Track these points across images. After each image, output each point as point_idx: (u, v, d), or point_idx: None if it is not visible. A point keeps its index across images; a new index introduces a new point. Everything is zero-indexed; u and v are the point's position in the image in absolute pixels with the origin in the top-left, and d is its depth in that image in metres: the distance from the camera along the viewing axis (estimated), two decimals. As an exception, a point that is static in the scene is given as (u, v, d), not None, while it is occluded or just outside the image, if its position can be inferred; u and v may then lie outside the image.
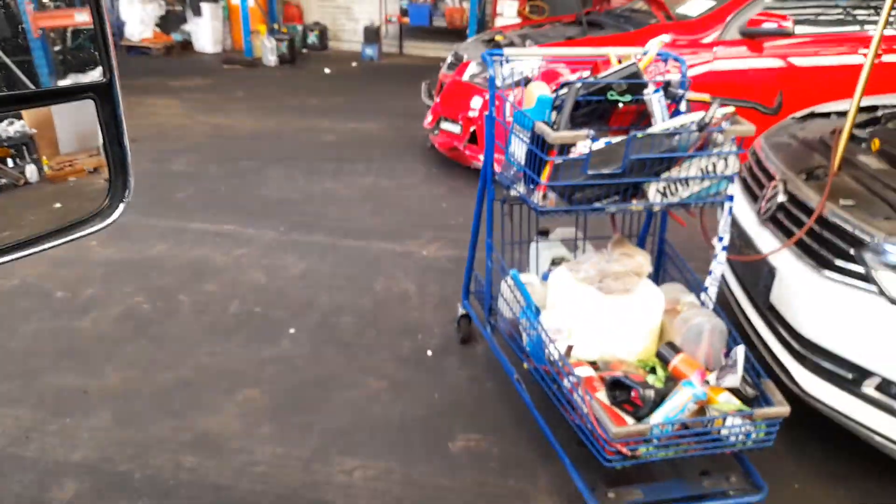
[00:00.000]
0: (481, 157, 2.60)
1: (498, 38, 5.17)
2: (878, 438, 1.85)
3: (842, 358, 1.89)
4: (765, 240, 2.28)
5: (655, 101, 1.98)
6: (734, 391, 1.78)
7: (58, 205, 1.11)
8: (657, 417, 1.67)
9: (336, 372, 2.57)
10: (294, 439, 2.20)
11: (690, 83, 2.22)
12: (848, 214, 1.96)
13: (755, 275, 2.29)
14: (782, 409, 1.72)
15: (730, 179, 1.95)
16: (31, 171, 1.13)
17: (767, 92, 4.20)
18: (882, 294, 1.79)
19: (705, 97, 2.05)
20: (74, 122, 1.10)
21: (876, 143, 2.47)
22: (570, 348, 1.92)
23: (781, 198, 2.28)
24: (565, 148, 1.93)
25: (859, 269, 1.86)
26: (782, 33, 4.14)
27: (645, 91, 1.98)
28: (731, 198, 2.06)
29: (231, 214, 3.95)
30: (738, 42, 4.32)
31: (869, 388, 1.86)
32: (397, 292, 3.16)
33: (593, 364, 1.94)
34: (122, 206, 1.03)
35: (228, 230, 3.74)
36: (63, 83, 1.19)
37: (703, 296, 2.15)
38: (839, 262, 1.92)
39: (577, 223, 2.39)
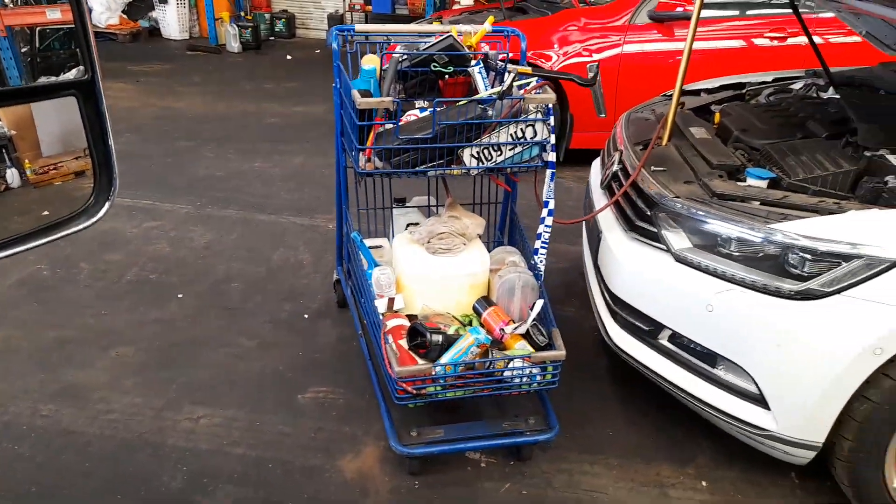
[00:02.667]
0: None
1: (435, 23, 5.30)
2: (672, 388, 2.00)
3: (641, 312, 2.03)
4: (601, 206, 2.42)
5: (476, 73, 2.11)
6: (529, 339, 1.93)
7: (45, 212, 1.06)
8: (444, 360, 1.82)
9: (212, 333, 2.71)
10: (154, 391, 2.35)
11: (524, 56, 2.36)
12: (652, 179, 2.10)
13: (592, 238, 2.44)
14: (558, 353, 1.87)
15: (541, 145, 2.08)
16: (11, 175, 1.07)
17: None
18: (669, 252, 1.93)
19: (528, 69, 2.18)
20: (57, 123, 1.06)
21: (717, 117, 2.61)
22: (391, 301, 2.06)
23: (616, 167, 2.42)
24: (393, 115, 2.07)
25: (653, 229, 2.00)
26: (687, 17, 4.27)
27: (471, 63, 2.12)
28: (552, 164, 2.20)
29: (154, 191, 4.08)
30: (649, 27, 4.44)
31: (663, 339, 2.01)
32: (293, 262, 3.30)
33: (414, 317, 2.08)
34: (107, 203, 1.01)
35: (146, 205, 3.88)
36: (41, 81, 1.14)
37: (535, 257, 2.30)
38: (639, 223, 2.06)
39: (429, 190, 2.53)
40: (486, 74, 2.13)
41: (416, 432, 1.94)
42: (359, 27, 2.36)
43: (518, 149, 2.08)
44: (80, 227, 1.00)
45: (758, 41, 4.49)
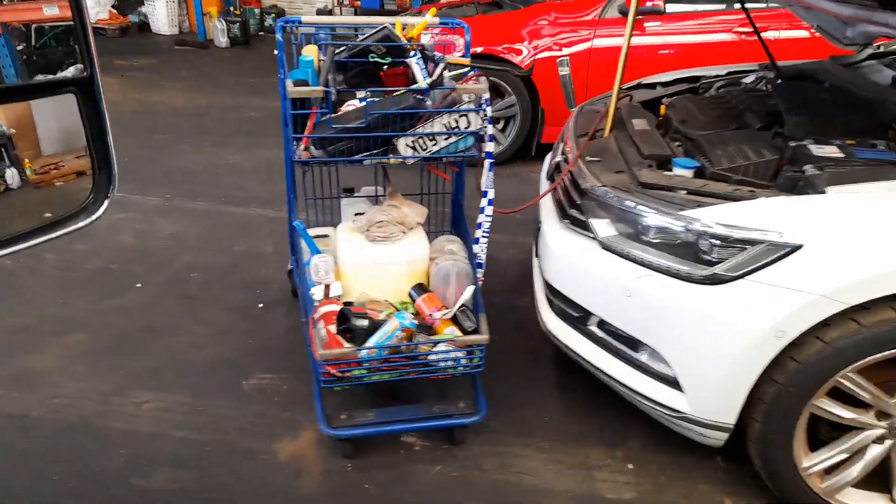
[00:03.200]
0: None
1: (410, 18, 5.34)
2: (600, 374, 2.03)
3: (571, 300, 2.07)
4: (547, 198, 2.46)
5: (414, 64, 2.15)
6: (458, 324, 1.98)
7: (47, 214, 1.04)
8: (369, 344, 1.87)
9: (168, 321, 2.76)
10: (103, 377, 2.40)
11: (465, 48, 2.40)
12: (585, 169, 2.14)
13: (535, 229, 2.48)
14: (481, 337, 1.92)
15: (475, 135, 2.12)
16: (11, 175, 1.05)
17: (645, 67, 4.36)
18: (595, 239, 1.97)
19: (465, 61, 2.22)
20: (57, 121, 1.04)
21: (662, 109, 2.65)
22: (327, 288, 2.11)
23: (558, 158, 2.46)
24: (331, 105, 2.12)
25: (583, 217, 2.04)
26: (655, 12, 4.30)
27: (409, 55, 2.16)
28: (489, 154, 2.24)
29: (126, 183, 4.11)
30: (619, 21, 4.47)
31: (592, 326, 2.05)
32: (255, 253, 3.35)
33: (350, 304, 2.12)
34: (107, 201, 1.01)
35: (116, 197, 3.91)
36: (39, 78, 1.10)
37: (476, 247, 2.34)
38: (571, 212, 2.11)
39: (375, 180, 2.57)
40: (424, 65, 2.17)
41: (346, 415, 1.99)
42: (305, 18, 2.40)
43: (453, 139, 2.12)
44: (80, 225, 0.99)
45: (728, 36, 4.52)
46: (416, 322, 1.91)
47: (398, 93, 2.09)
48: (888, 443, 1.74)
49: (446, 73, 2.16)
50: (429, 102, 2.09)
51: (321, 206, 2.65)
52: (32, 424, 2.17)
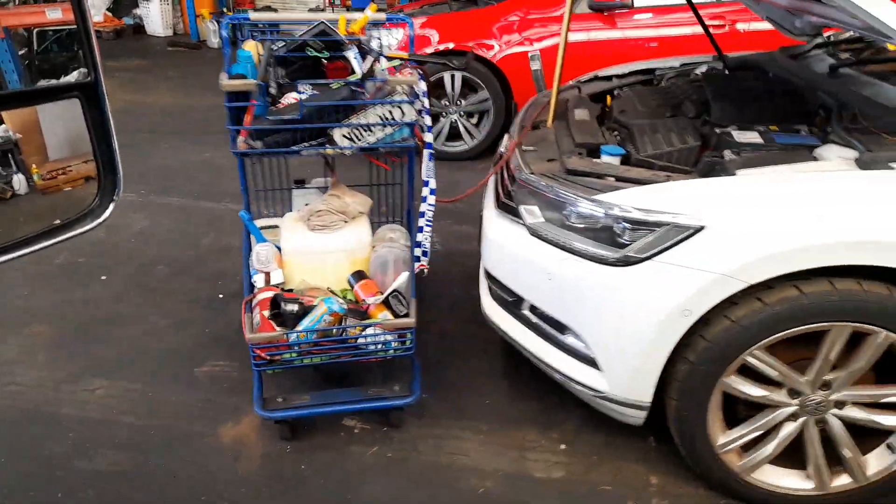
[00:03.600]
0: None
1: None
2: (531, 356, 2.08)
3: (505, 285, 2.12)
4: (490, 187, 2.51)
5: (352, 58, 2.21)
6: (390, 309, 2.03)
7: (56, 221, 1.02)
8: (299, 328, 1.93)
9: (129, 311, 2.83)
10: (60, 365, 2.47)
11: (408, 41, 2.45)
12: (520, 157, 2.19)
13: (480, 217, 2.53)
14: (407, 321, 1.97)
15: (410, 126, 2.18)
16: (18, 181, 1.05)
17: (614, 61, 4.41)
18: (524, 225, 2.02)
19: (403, 55, 2.28)
20: (63, 125, 1.03)
21: (609, 100, 2.70)
22: (268, 276, 2.17)
23: (502, 148, 2.51)
24: (273, 98, 2.18)
25: (513, 204, 2.09)
26: (622, 7, 4.35)
27: (346, 49, 2.21)
28: (429, 145, 2.29)
29: (103, 181, 4.20)
30: (590, 16, 4.52)
31: (525, 310, 2.10)
32: (221, 246, 3.41)
33: (290, 291, 2.18)
34: (112, 204, 1.00)
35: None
36: (43, 84, 1.18)
37: (420, 235, 2.39)
38: (504, 200, 2.15)
39: (324, 172, 2.63)
40: (361, 59, 2.22)
41: (282, 399, 2.05)
42: (253, 15, 2.46)
43: (389, 129, 2.17)
44: (86, 228, 0.99)
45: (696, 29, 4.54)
46: (344, 307, 1.97)
47: (336, 85, 2.15)
48: (801, 420, 1.78)
49: (383, 65, 2.22)
50: (367, 94, 2.15)
51: (277, 197, 2.72)
52: (-15, 411, 2.24)
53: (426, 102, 2.25)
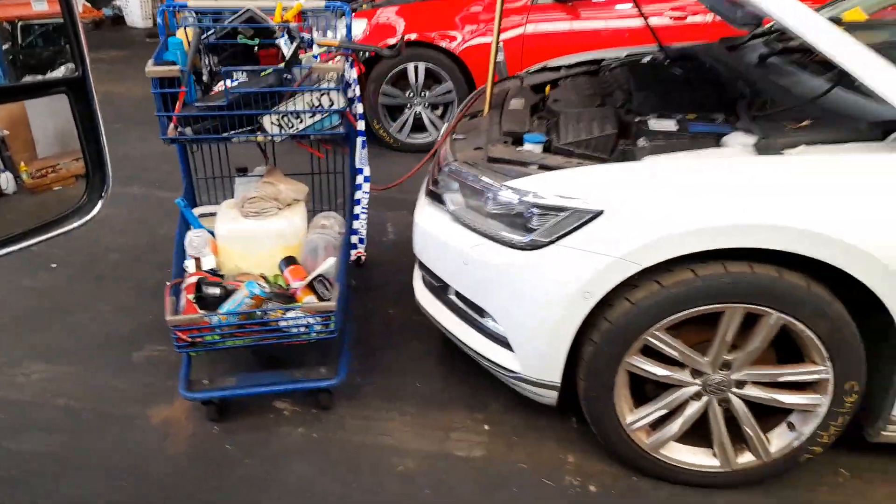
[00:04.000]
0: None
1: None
2: (455, 339, 2.13)
3: (431, 270, 2.17)
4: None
5: (283, 45, 2.24)
6: (315, 293, 2.07)
7: (45, 218, 1.00)
8: (221, 311, 1.97)
9: (77, 299, 2.86)
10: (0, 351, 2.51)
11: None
12: (449, 145, 2.23)
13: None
14: (327, 304, 2.01)
15: (340, 114, 2.21)
16: (6, 179, 1.03)
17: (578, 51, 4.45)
18: (448, 212, 2.06)
19: (333, 42, 2.31)
20: (53, 121, 1.01)
21: (548, 90, 2.74)
22: (198, 261, 2.20)
23: (440, 137, 2.54)
24: (205, 85, 2.21)
25: (439, 191, 2.13)
26: (585, -3, 4.40)
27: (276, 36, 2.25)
28: (361, 133, 2.33)
29: (66, 170, 4.22)
30: (553, 7, 4.55)
31: (452, 295, 2.15)
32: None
33: (215, 274, 2.22)
34: (101, 201, 0.99)
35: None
36: (29, 79, 1.08)
37: (356, 222, 2.44)
38: (431, 187, 2.20)
39: (265, 160, 2.66)
40: (291, 45, 2.25)
41: (208, 380, 2.09)
42: (191, 2, 2.49)
43: (318, 117, 2.21)
44: (74, 225, 0.98)
45: (659, 20, 4.59)
46: (266, 290, 2.01)
47: (265, 72, 2.19)
48: (704, 399, 1.84)
49: (315, 52, 2.26)
50: (295, 82, 2.18)
51: (222, 185, 2.75)
52: (-79, 394, 2.28)
53: (357, 90, 2.29)
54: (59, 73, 0.98)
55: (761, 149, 1.69)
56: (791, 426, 1.84)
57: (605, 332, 1.75)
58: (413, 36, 4.60)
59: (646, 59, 3.03)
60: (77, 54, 0.92)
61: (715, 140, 1.89)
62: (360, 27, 4.75)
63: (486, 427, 2.18)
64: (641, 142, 1.97)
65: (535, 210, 1.77)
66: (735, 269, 1.63)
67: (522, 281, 1.80)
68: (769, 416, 1.87)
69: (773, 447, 1.85)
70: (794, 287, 1.61)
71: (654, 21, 4.56)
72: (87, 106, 0.94)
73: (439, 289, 2.18)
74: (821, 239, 1.54)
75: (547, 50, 4.53)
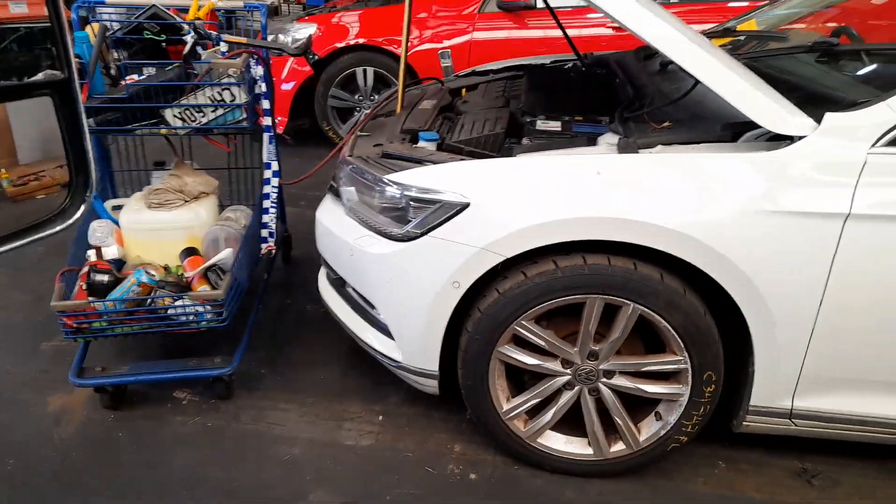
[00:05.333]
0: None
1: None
2: (349, 332, 2.16)
3: (329, 264, 2.21)
4: (340, 172, 2.60)
5: (189, 40, 2.29)
6: (209, 283, 2.11)
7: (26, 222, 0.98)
8: (108, 298, 2.00)
9: (-7, 290, 2.88)
10: None
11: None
12: (350, 143, 2.28)
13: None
14: (214, 293, 2.05)
15: (240, 108, 2.26)
16: None
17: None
18: (343, 206, 2.11)
19: (241, 40, 2.36)
20: (36, 126, 1.06)
21: (464, 92, 2.81)
22: (98, 250, 2.23)
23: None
24: (113, 79, 2.25)
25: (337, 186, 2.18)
26: (526, 7, 4.50)
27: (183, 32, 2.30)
28: (268, 128, 2.38)
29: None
30: (500, 15, 4.64)
31: (349, 288, 2.19)
32: (106, 230, 3.46)
33: (106, 262, 2.24)
34: (83, 205, 1.00)
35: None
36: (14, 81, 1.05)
37: (266, 216, 2.48)
38: (332, 182, 2.25)
39: (182, 153, 2.70)
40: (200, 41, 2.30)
41: (100, 368, 2.11)
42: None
43: (220, 111, 2.26)
44: (56, 229, 0.99)
45: (603, 30, 4.70)
46: (156, 279, 2.05)
47: (169, 67, 2.23)
48: (576, 389, 1.90)
49: (223, 48, 2.30)
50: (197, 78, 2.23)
51: (138, 178, 2.78)
52: None
53: (264, 86, 2.34)
54: (45, 75, 0.96)
55: (621, 148, 1.76)
56: (658, 416, 1.91)
57: (476, 322, 1.81)
58: (361, 40, 4.68)
59: (568, 66, 3.13)
60: (63, 57, 0.91)
61: (594, 140, 1.97)
62: (308, 30, 4.81)
63: (381, 418, 2.22)
64: (525, 141, 2.04)
65: (412, 203, 1.82)
66: (593, 261, 1.70)
67: (398, 271, 1.85)
68: (641, 407, 1.94)
69: (642, 436, 1.91)
70: (647, 279, 1.68)
71: (599, 31, 4.71)
72: (73, 109, 0.93)
73: (338, 282, 2.23)
74: (665, 233, 1.61)
75: (493, 56, 4.62)
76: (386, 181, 1.87)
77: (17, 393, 2.26)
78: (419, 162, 2.00)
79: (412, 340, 1.91)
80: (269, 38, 4.41)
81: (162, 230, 2.31)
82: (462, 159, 1.95)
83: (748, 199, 1.60)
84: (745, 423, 1.85)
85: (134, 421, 2.16)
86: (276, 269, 3.06)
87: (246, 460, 2.02)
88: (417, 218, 1.80)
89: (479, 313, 1.81)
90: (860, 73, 2.06)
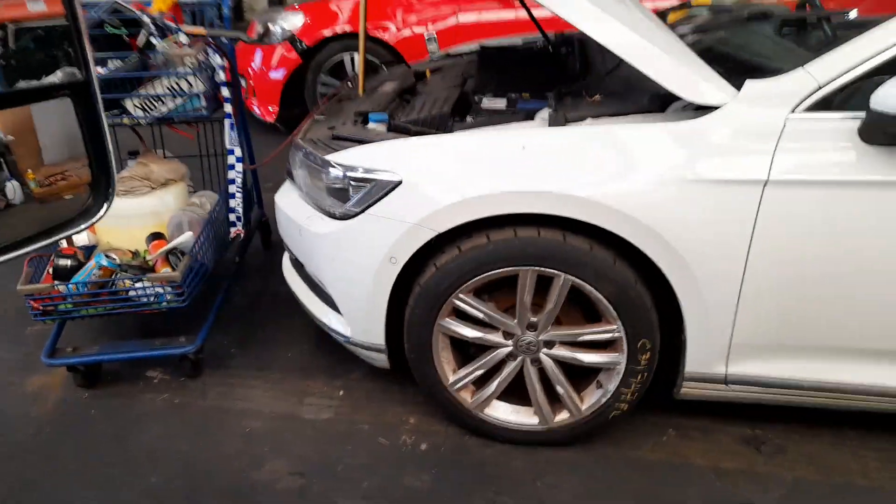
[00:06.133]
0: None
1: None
2: (308, 312, 2.24)
3: (288, 247, 2.29)
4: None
5: (143, 33, 2.36)
6: (170, 265, 2.20)
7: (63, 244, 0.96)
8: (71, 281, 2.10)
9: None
10: None
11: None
12: (305, 127, 2.34)
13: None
14: (169, 275, 2.14)
15: (198, 97, 2.33)
16: (12, 188, 1.02)
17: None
18: (297, 189, 2.18)
19: (201, 30, 2.43)
20: (59, 126, 1.00)
21: (428, 74, 2.84)
22: (69, 237, 2.33)
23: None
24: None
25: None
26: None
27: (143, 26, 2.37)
28: (229, 115, 2.45)
29: None
30: (484, -2, 4.65)
31: (308, 268, 2.26)
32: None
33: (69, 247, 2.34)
34: (106, 204, 1.01)
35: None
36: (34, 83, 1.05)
37: (232, 201, 2.56)
38: (287, 166, 2.31)
39: (154, 143, 2.79)
40: (157, 34, 2.38)
41: (71, 349, 2.22)
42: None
43: (179, 100, 2.33)
44: (80, 228, 0.99)
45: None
46: (117, 262, 2.14)
47: (128, 59, 2.31)
48: (519, 359, 1.95)
49: (183, 39, 2.38)
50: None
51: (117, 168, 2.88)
52: None
53: (222, 75, 2.41)
54: (63, 76, 0.96)
55: (550, 121, 1.79)
56: (599, 384, 1.95)
57: (417, 296, 1.87)
58: (347, 28, 4.72)
59: (535, 45, 3.14)
60: (80, 57, 0.89)
61: (515, 115, 2.00)
62: (297, 20, 4.87)
63: (341, 392, 2.30)
64: (468, 119, 2.08)
65: (351, 182, 1.88)
66: (524, 234, 1.74)
67: (340, 249, 1.91)
68: (586, 376, 1.98)
69: (584, 405, 1.96)
70: (577, 250, 1.72)
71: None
72: (92, 109, 0.93)
73: (298, 263, 2.30)
74: (587, 204, 1.64)
75: (479, 38, 4.63)
76: (328, 161, 1.93)
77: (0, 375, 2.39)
78: (364, 143, 2.06)
79: (358, 316, 1.97)
80: (259, 26, 4.50)
81: (129, 217, 2.40)
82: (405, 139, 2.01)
83: (668, 168, 1.62)
84: (682, 390, 1.89)
85: (107, 399, 2.27)
86: (255, 253, 3.16)
87: (208, 434, 2.12)
88: (355, 196, 1.86)
89: (418, 287, 1.86)
90: (803, 41, 2.06)
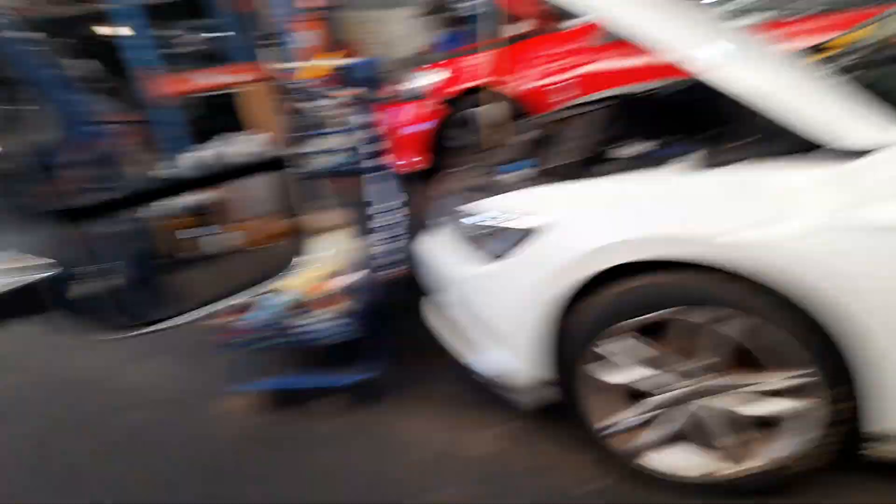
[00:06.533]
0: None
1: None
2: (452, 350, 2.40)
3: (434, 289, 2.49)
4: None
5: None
6: (341, 303, 2.48)
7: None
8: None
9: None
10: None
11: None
12: (446, 180, 2.55)
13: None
14: (340, 309, 2.40)
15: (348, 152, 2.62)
16: (208, 242, 1.21)
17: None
18: (443, 236, 2.38)
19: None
20: (252, 189, 1.27)
21: (559, 124, 2.99)
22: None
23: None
24: None
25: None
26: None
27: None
28: (385, 166, 2.74)
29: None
30: (607, 47, 4.77)
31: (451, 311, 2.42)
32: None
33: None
34: (297, 255, 1.32)
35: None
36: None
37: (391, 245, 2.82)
38: (437, 212, 2.53)
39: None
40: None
41: (258, 376, 2.57)
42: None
43: (343, 154, 2.64)
44: (279, 275, 1.24)
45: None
46: (292, 300, 2.44)
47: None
48: (684, 406, 1.94)
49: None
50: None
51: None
52: None
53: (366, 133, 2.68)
54: (267, 154, 1.10)
55: (692, 167, 1.85)
56: (781, 435, 1.90)
57: (570, 337, 1.96)
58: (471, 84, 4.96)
59: (660, 92, 3.19)
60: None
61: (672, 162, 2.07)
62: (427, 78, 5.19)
63: (506, 429, 2.39)
64: (604, 167, 2.18)
65: (490, 230, 2.07)
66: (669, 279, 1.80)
67: (496, 289, 2.08)
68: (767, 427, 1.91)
69: (761, 456, 1.92)
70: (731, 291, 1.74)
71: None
72: (284, 181, 1.06)
73: (441, 306, 2.47)
74: (724, 250, 1.70)
75: (602, 87, 4.71)
76: (466, 211, 2.13)
77: (189, 397, 2.77)
78: (496, 192, 2.18)
79: (512, 355, 2.09)
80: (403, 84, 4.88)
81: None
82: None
83: (815, 214, 1.63)
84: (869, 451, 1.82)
85: (288, 423, 2.56)
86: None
87: (381, 459, 2.33)
88: (495, 243, 2.03)
89: (572, 327, 1.95)
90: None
